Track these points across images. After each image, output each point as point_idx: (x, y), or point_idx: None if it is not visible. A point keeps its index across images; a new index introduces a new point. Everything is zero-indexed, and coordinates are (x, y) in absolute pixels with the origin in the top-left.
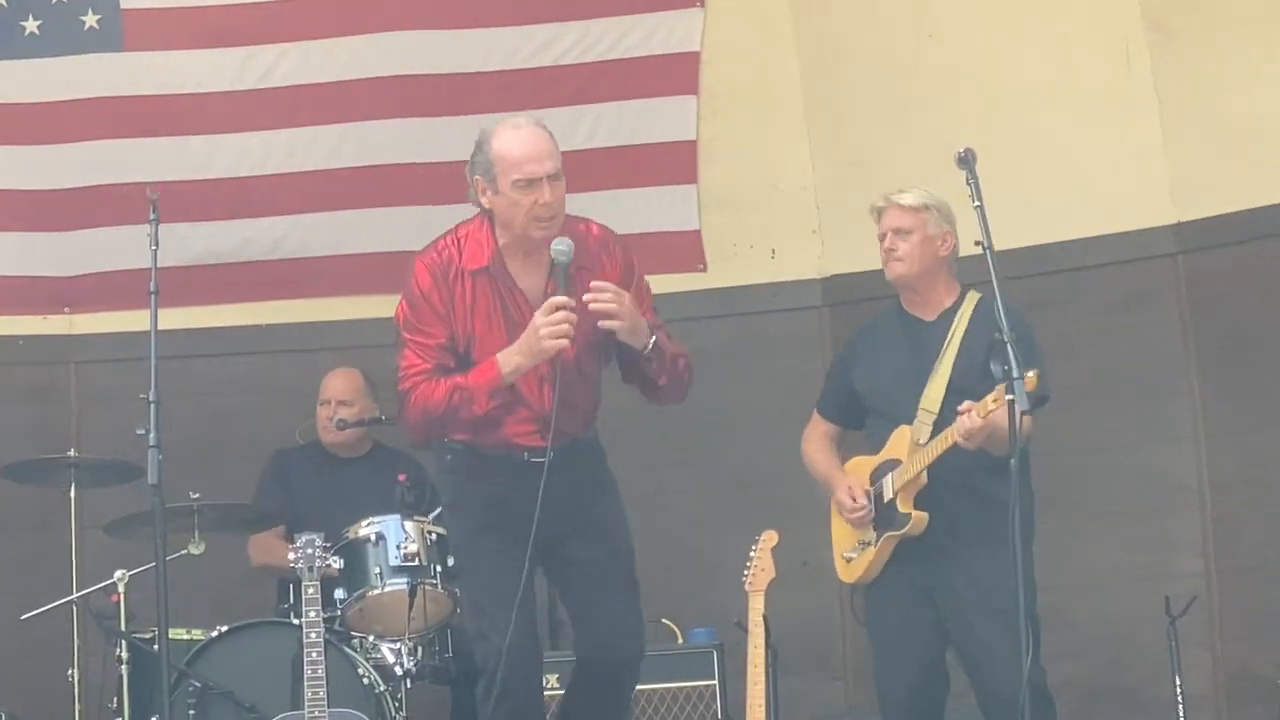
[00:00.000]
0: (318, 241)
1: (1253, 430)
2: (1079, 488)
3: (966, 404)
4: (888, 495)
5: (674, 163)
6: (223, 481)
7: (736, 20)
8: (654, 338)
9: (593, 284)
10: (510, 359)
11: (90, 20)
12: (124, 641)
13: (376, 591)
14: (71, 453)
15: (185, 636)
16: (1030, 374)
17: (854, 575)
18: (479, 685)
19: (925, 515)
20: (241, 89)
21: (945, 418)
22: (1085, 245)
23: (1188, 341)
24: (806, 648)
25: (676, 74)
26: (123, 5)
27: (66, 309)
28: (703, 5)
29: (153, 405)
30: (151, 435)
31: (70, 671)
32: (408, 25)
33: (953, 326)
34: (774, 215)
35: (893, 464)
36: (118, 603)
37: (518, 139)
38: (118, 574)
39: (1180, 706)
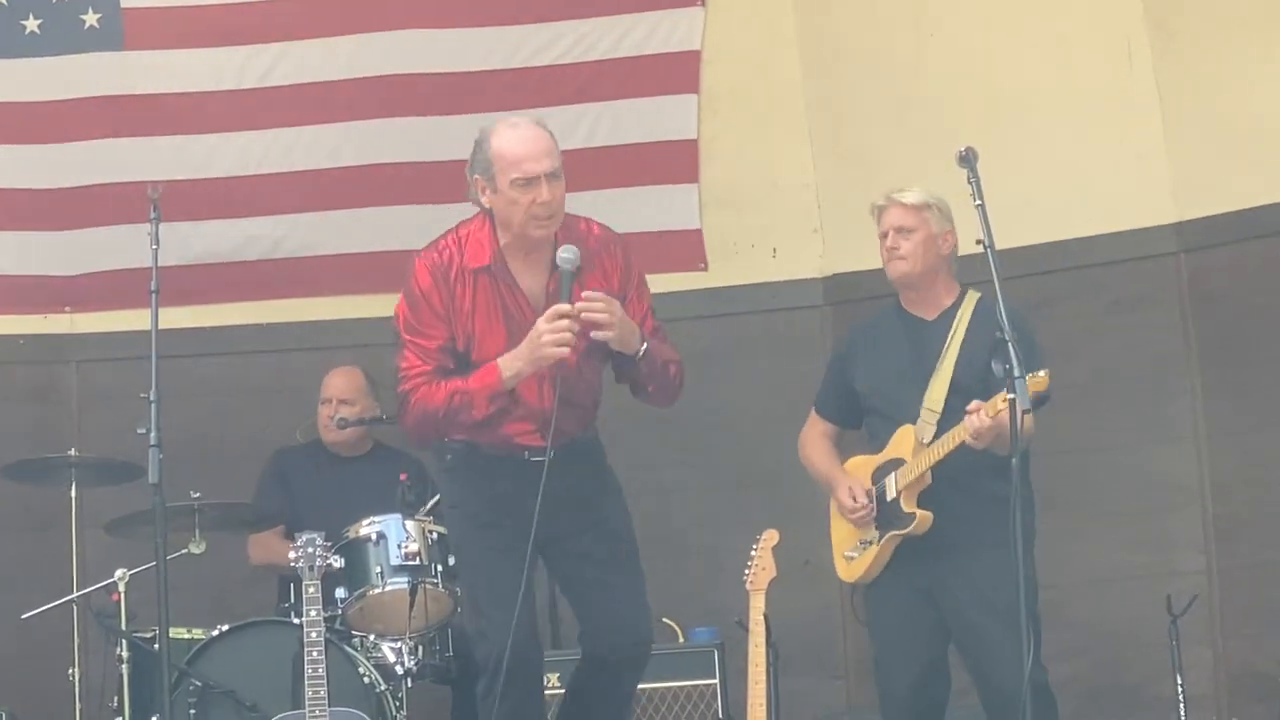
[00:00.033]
0: (319, 241)
1: (1253, 429)
2: (1080, 487)
3: (975, 403)
4: (890, 494)
5: (675, 162)
6: (223, 480)
7: (737, 19)
8: (645, 345)
9: (584, 294)
10: (511, 365)
11: (91, 19)
12: (124, 641)
13: (377, 591)
14: (72, 452)
15: (186, 636)
16: (1042, 373)
17: (855, 574)
18: (479, 684)
19: (930, 515)
20: (242, 88)
21: (949, 417)
22: (1086, 244)
23: (1188, 340)
24: (807, 647)
25: (677, 73)
26: (123, 4)
27: (67, 308)
28: (703, 4)
29: (153, 404)
30: (152, 434)
31: (71, 671)
32: (409, 24)
33: (953, 325)
34: (775, 214)
35: (896, 463)
36: (118, 602)
37: (516, 138)
38: (118, 573)
39: (1181, 705)
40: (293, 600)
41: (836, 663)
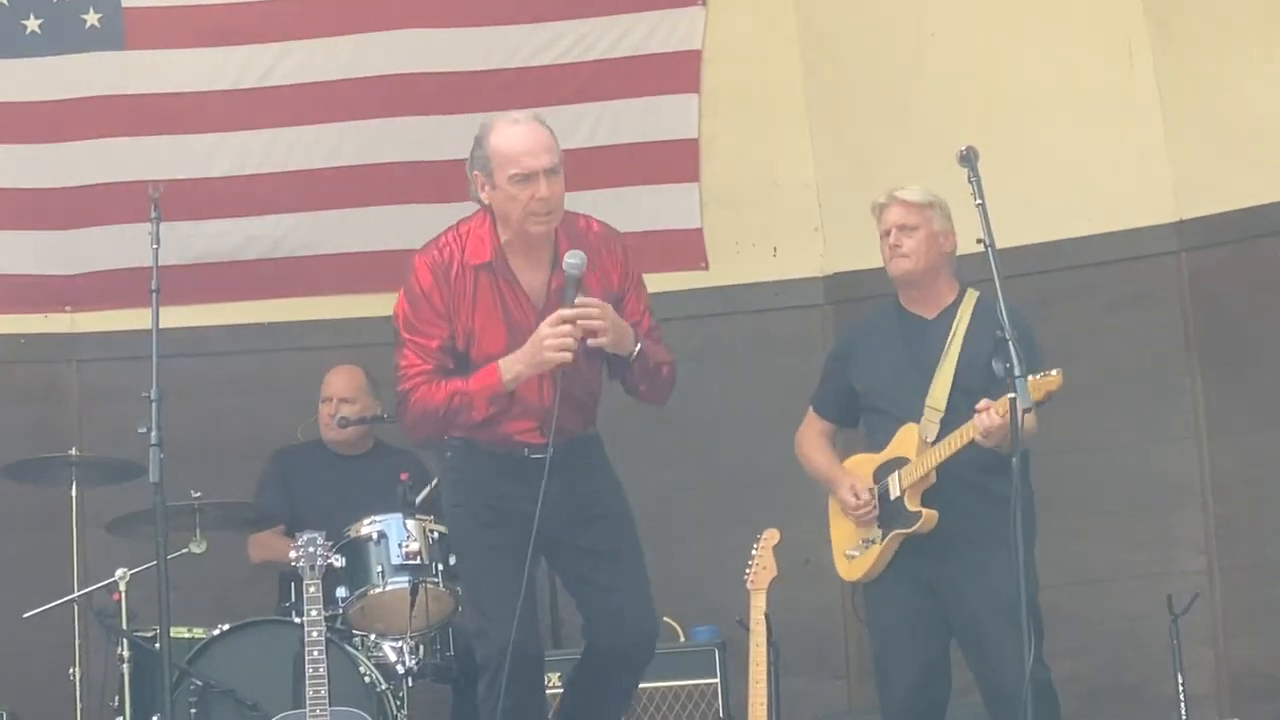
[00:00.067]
0: (319, 240)
1: (1254, 428)
2: (1080, 486)
3: (985, 401)
4: (894, 493)
5: (676, 161)
6: (224, 480)
7: (738, 18)
8: (638, 346)
9: (578, 300)
10: (512, 367)
11: (92, 19)
12: (125, 640)
13: (378, 590)
14: (73, 451)
15: (187, 635)
16: (1054, 372)
17: (857, 573)
18: (480, 684)
19: (935, 513)
20: (243, 88)
21: (952, 416)
22: (1087, 243)
23: (1189, 340)
24: (808, 646)
25: (678, 72)
26: (124, 4)
27: (68, 307)
28: (704, 3)
29: (154, 403)
30: (153, 433)
31: (72, 670)
32: (409, 24)
33: (954, 324)
34: (776, 213)
35: (899, 462)
36: (119, 601)
37: (515, 133)
38: (119, 572)
39: (1183, 704)
40: (293, 599)
41: (837, 662)
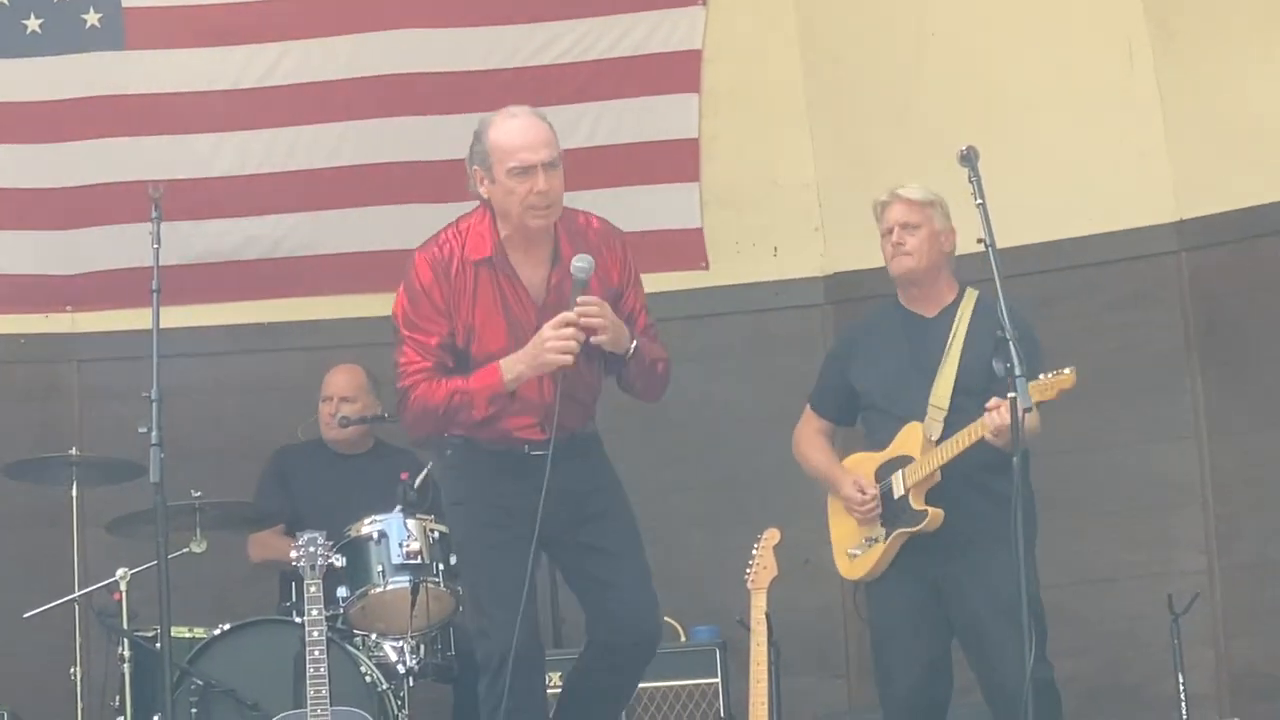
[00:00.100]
0: (320, 240)
1: (1254, 428)
2: (1081, 486)
3: (995, 400)
4: (898, 491)
5: (676, 161)
6: (225, 479)
7: (738, 18)
8: (634, 343)
9: (579, 299)
10: (513, 367)
11: (92, 19)
12: (126, 640)
13: (379, 589)
14: (73, 451)
15: (187, 635)
16: (1067, 371)
17: (859, 572)
18: (481, 683)
19: (941, 512)
20: (243, 87)
21: (955, 414)
22: (1087, 243)
23: (1189, 339)
24: (809, 646)
25: (678, 72)
26: (124, 4)
27: (69, 307)
28: (704, 3)
29: (155, 403)
30: (153, 433)
31: (72, 670)
32: (409, 24)
33: (955, 323)
34: (776, 213)
35: (903, 460)
36: (120, 601)
37: (513, 127)
38: (120, 572)
39: (1183, 704)
40: (294, 599)
41: (838, 662)
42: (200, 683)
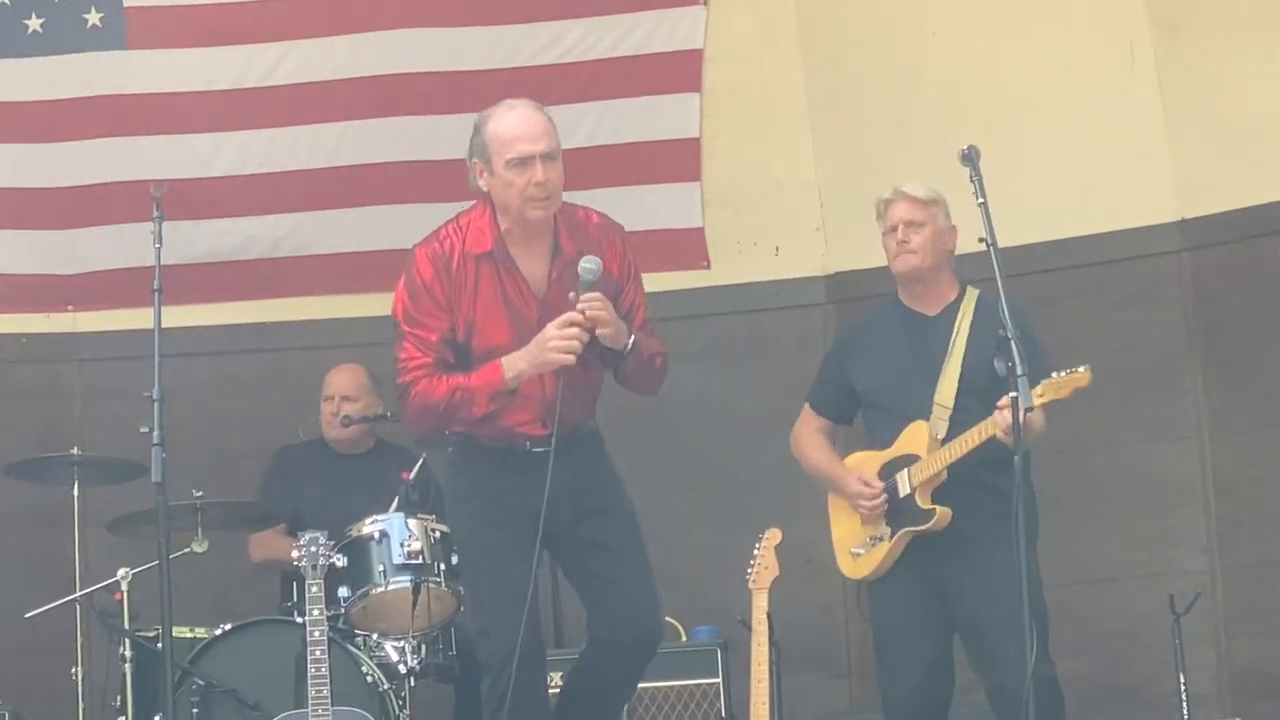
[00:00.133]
0: (320, 239)
1: (1256, 427)
2: (1082, 485)
3: (1006, 399)
4: (904, 490)
5: (677, 160)
6: (226, 479)
7: (739, 18)
8: (633, 338)
9: (583, 295)
10: (515, 365)
11: (93, 19)
12: (127, 640)
13: (380, 589)
14: (75, 451)
15: (189, 635)
16: (1082, 369)
17: (862, 571)
18: (483, 683)
19: (949, 510)
20: (244, 87)
21: (960, 413)
22: (1088, 243)
23: (1191, 339)
24: (810, 646)
25: (679, 72)
26: (125, 4)
27: (70, 307)
28: (706, 3)
29: (156, 403)
30: (155, 433)
31: (74, 670)
32: (410, 24)
33: (957, 321)
34: (777, 212)
35: (908, 459)
36: (121, 601)
37: (511, 119)
38: (121, 572)
39: (1184, 704)
40: (295, 599)
41: (839, 662)
42: (201, 683)
